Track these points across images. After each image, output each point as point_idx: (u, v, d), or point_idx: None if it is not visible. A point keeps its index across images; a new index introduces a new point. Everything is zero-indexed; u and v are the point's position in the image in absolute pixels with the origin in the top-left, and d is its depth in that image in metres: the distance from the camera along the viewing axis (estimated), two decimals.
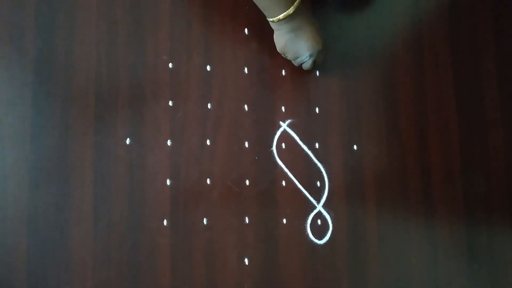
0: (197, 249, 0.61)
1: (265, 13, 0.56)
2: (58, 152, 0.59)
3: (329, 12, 0.70)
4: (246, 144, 0.65)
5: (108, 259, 0.59)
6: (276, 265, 0.63)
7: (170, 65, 0.64)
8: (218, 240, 0.62)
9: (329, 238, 0.65)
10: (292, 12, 0.54)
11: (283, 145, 0.66)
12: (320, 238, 0.65)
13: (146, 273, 0.59)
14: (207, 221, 0.62)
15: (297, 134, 0.66)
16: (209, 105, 0.64)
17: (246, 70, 0.66)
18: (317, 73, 0.68)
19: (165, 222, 0.60)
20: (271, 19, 0.56)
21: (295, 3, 0.54)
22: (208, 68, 0.65)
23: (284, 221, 0.64)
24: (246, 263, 0.62)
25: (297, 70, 0.67)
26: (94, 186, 0.59)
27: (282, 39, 0.59)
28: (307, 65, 0.63)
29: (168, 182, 0.61)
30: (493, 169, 0.73)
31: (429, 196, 0.70)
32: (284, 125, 0.66)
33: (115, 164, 0.60)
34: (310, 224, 0.65)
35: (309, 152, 0.67)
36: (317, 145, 0.67)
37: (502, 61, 0.75)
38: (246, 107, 0.65)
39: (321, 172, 0.67)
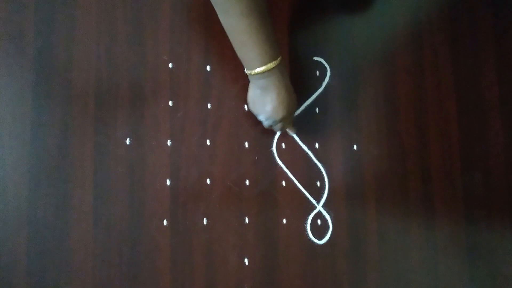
0: (197, 249, 0.61)
1: (243, 63, 0.55)
2: (58, 152, 0.59)
3: (329, 12, 0.70)
4: (246, 144, 0.65)
5: (108, 259, 0.59)
6: (276, 265, 0.63)
7: (170, 65, 0.64)
8: (218, 240, 0.62)
9: (329, 238, 0.65)
10: (265, 71, 0.53)
11: (283, 145, 0.66)
12: (320, 238, 0.65)
13: (146, 273, 0.59)
14: (207, 221, 0.62)
15: (297, 134, 0.66)
16: (209, 105, 0.64)
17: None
18: (317, 73, 0.68)
19: (165, 222, 0.60)
20: (245, 71, 0.55)
21: (269, 64, 0.52)
22: (208, 68, 0.65)
23: (284, 221, 0.64)
24: (246, 263, 0.62)
25: (297, 70, 0.67)
26: (94, 186, 0.59)
27: (250, 91, 0.59)
28: (264, 125, 0.61)
29: (168, 182, 0.61)
30: (493, 169, 0.73)
31: (429, 196, 0.70)
32: None
33: (115, 164, 0.60)
34: (310, 224, 0.65)
35: (309, 152, 0.67)
36: (317, 145, 0.67)
37: (502, 61, 0.75)
38: (246, 107, 0.65)
39: (321, 172, 0.67)
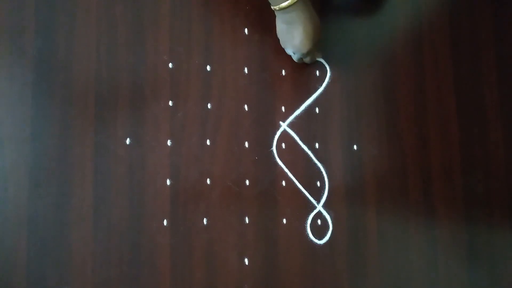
0: (197, 249, 0.61)
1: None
2: (58, 152, 0.59)
3: (329, 12, 0.70)
4: (246, 144, 0.65)
5: (108, 259, 0.59)
6: (276, 265, 0.63)
7: (170, 65, 0.64)
8: (218, 240, 0.62)
9: (329, 238, 0.65)
10: (291, 4, 0.54)
11: (283, 145, 0.66)
12: (320, 238, 0.65)
13: (146, 273, 0.59)
14: (207, 221, 0.62)
15: (297, 134, 0.66)
16: (209, 105, 0.64)
17: (246, 70, 0.66)
18: (317, 73, 0.68)
19: (165, 222, 0.60)
20: (272, 6, 0.56)
21: None
22: (208, 68, 0.65)
23: (284, 221, 0.64)
24: (246, 263, 0.62)
25: (297, 70, 0.67)
26: (94, 186, 0.59)
27: (277, 27, 0.60)
28: (294, 58, 0.64)
29: (168, 182, 0.61)
30: (493, 169, 0.73)
31: (429, 196, 0.70)
32: (284, 125, 0.66)
33: (115, 164, 0.60)
34: (310, 224, 0.65)
35: (309, 152, 0.67)
36: (317, 145, 0.67)
37: (502, 61, 0.75)
38: (246, 107, 0.65)
39: (321, 172, 0.67)
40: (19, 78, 0.59)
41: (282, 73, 0.67)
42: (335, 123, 0.68)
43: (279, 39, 0.62)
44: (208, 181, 0.63)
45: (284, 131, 0.66)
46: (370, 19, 0.72)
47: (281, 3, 0.54)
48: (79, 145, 0.60)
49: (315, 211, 0.65)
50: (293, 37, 0.59)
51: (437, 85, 0.72)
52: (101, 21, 0.62)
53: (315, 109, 0.68)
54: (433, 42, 0.73)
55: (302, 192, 0.65)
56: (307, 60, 0.64)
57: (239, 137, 0.64)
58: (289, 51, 0.62)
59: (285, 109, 0.66)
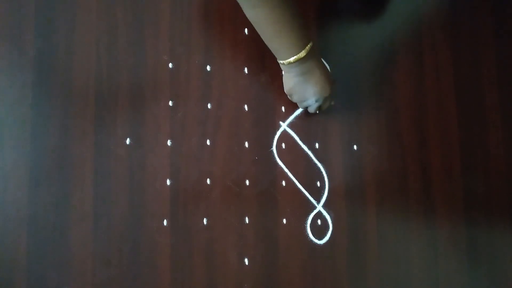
0: (197, 249, 0.61)
1: (276, 55, 0.55)
2: (58, 152, 0.59)
3: (330, 13, 0.70)
4: (246, 144, 0.65)
5: (108, 259, 0.59)
6: (276, 265, 0.63)
7: (170, 65, 0.64)
8: (218, 240, 0.62)
9: (329, 238, 0.65)
10: (303, 56, 0.53)
11: (283, 145, 0.66)
12: (320, 238, 0.65)
13: (146, 273, 0.59)
14: (207, 221, 0.62)
15: (297, 134, 0.66)
16: (209, 105, 0.64)
17: (246, 70, 0.66)
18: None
19: (165, 222, 0.60)
20: (281, 62, 0.55)
21: (307, 47, 0.52)
22: (208, 68, 0.65)
23: (284, 221, 0.64)
24: (246, 263, 0.62)
25: None
26: (94, 186, 0.59)
27: (290, 82, 0.58)
28: (312, 109, 0.62)
29: (168, 182, 0.61)
30: (493, 169, 0.73)
31: (429, 196, 0.70)
32: (284, 125, 0.66)
33: (115, 164, 0.60)
34: (310, 224, 0.65)
35: (309, 152, 0.67)
36: (317, 145, 0.67)
37: (502, 61, 0.75)
38: (246, 107, 0.65)
39: (321, 172, 0.67)
40: (19, 78, 0.59)
41: (282, 73, 0.67)
42: (335, 123, 0.68)
43: (291, 95, 0.60)
44: (208, 181, 0.63)
45: (284, 131, 0.66)
46: (370, 20, 0.72)
47: (295, 55, 0.52)
48: (79, 145, 0.60)
49: (315, 211, 0.65)
50: (314, 84, 0.57)
51: (437, 85, 0.72)
52: (101, 21, 0.62)
53: None
54: (433, 42, 0.73)
55: (302, 192, 0.65)
56: (325, 106, 0.62)
57: (239, 137, 0.64)
58: (309, 101, 0.60)
59: (285, 109, 0.66)
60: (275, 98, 0.66)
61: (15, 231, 0.57)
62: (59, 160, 0.59)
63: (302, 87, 0.58)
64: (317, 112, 0.64)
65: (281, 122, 0.66)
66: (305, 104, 0.61)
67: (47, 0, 0.61)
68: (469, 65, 0.74)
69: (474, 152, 0.73)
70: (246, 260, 0.62)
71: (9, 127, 0.58)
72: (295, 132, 0.66)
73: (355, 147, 0.68)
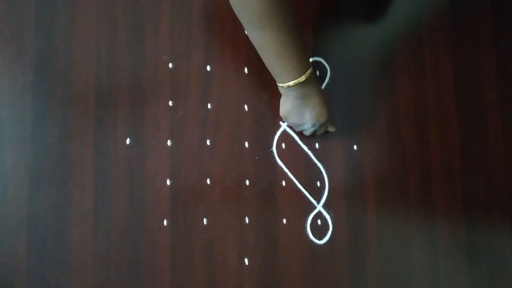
0: (197, 249, 0.61)
1: (276, 78, 0.55)
2: (58, 152, 0.59)
3: (330, 13, 0.70)
4: (246, 144, 0.65)
5: (108, 259, 0.59)
6: (276, 265, 0.63)
7: (170, 65, 0.64)
8: (218, 240, 0.62)
9: (329, 238, 0.65)
10: (303, 81, 0.53)
11: (283, 145, 0.66)
12: (320, 238, 0.65)
13: (146, 273, 0.59)
14: (207, 221, 0.62)
15: (297, 134, 0.66)
16: (209, 105, 0.64)
17: (246, 70, 0.66)
18: (317, 73, 0.68)
19: (165, 222, 0.61)
20: (280, 85, 0.55)
21: (307, 72, 0.53)
22: (208, 68, 0.65)
23: (284, 221, 0.64)
24: (246, 263, 0.62)
25: None
26: (94, 186, 0.59)
27: (288, 105, 0.58)
28: (307, 133, 0.63)
29: (168, 182, 0.61)
30: (493, 169, 0.73)
31: (429, 196, 0.70)
32: (284, 125, 0.66)
33: (115, 164, 0.60)
34: (310, 224, 0.65)
35: (309, 152, 0.67)
36: (317, 145, 0.67)
37: (502, 61, 0.75)
38: (246, 107, 0.65)
39: (321, 172, 0.67)
40: (19, 78, 0.59)
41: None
42: (335, 123, 0.68)
43: (286, 118, 0.60)
44: (208, 181, 0.63)
45: (284, 131, 0.66)
46: (370, 20, 0.72)
47: (296, 79, 0.52)
48: (79, 145, 0.60)
49: (315, 211, 0.65)
50: (312, 108, 0.57)
51: (437, 85, 0.72)
52: (101, 21, 0.62)
53: None
54: (433, 42, 0.73)
55: (302, 192, 0.65)
56: (321, 131, 0.63)
57: (239, 137, 0.64)
58: (306, 125, 0.60)
59: None
60: (275, 98, 0.66)
61: (15, 231, 0.57)
62: (59, 160, 0.59)
63: (299, 110, 0.58)
64: (313, 135, 0.65)
65: (281, 122, 0.66)
66: (301, 128, 0.62)
67: (47, 0, 0.61)
68: (469, 65, 0.74)
69: (474, 152, 0.73)
70: (246, 260, 0.62)
71: (9, 127, 0.59)
72: (295, 132, 0.66)
73: (355, 147, 0.68)
